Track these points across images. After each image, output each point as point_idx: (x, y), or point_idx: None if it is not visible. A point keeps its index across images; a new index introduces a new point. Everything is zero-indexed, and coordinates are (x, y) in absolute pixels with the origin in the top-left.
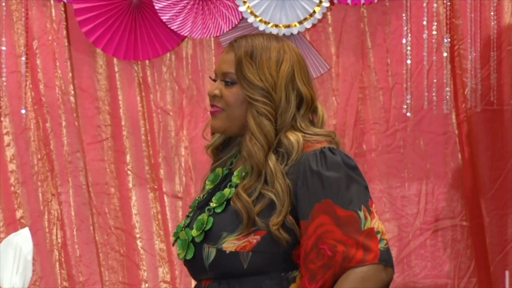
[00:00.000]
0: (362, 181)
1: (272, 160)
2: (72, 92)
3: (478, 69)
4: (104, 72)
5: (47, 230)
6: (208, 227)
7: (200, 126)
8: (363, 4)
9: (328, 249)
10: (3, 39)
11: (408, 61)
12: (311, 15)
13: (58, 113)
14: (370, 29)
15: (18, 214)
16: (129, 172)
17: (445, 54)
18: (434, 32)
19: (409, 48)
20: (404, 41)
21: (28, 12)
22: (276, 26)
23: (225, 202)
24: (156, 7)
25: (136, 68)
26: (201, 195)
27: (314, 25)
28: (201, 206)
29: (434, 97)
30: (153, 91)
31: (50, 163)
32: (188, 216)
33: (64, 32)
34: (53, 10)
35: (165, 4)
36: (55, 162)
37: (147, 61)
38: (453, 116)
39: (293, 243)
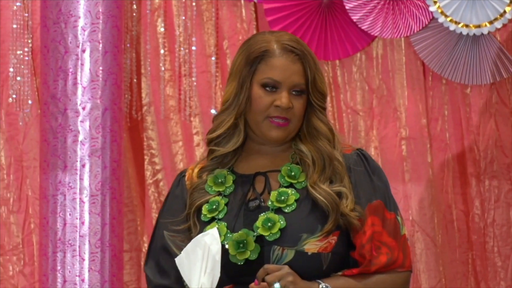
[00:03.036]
0: None
1: (340, 156)
2: None
3: None
4: None
5: None
6: (282, 226)
7: (390, 126)
8: None
9: (374, 249)
10: (193, 39)
11: None
12: (501, 15)
13: None
14: None
15: None
16: None
17: None
18: None
19: None
20: None
21: (218, 12)
22: (467, 26)
23: (295, 202)
24: (347, 7)
25: (326, 67)
26: (220, 199)
27: (504, 25)
28: (253, 208)
29: None
30: (343, 91)
31: None
32: (218, 220)
33: (255, 32)
34: (243, 10)
35: (355, 4)
36: None
37: (337, 61)
38: None
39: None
